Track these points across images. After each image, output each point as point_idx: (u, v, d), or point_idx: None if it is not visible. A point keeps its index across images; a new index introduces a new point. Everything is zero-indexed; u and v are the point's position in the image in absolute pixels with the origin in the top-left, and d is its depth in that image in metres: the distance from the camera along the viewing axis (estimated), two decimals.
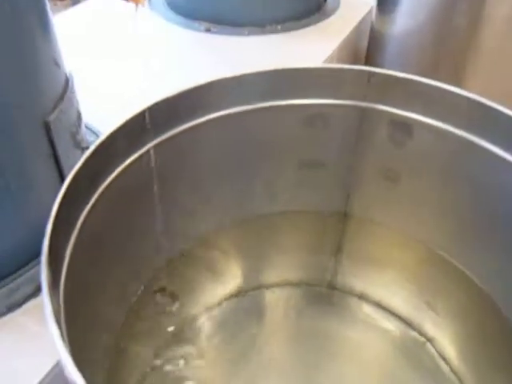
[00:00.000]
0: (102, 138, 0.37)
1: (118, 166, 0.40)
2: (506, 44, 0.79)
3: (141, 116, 0.39)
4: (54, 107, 0.49)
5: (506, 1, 0.75)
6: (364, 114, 0.48)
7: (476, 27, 0.79)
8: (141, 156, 0.42)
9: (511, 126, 0.41)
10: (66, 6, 1.74)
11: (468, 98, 0.42)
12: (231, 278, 0.58)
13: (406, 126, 0.46)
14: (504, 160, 0.42)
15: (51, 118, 0.48)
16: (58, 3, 1.71)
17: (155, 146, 0.42)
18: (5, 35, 0.42)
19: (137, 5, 0.29)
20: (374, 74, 0.45)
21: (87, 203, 0.38)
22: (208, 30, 0.93)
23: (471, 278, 0.50)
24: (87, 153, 0.36)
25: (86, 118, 0.61)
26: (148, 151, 0.42)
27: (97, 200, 0.38)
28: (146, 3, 1.04)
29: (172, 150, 0.44)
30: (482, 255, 0.49)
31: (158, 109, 0.41)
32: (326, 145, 0.50)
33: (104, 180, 0.39)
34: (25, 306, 0.49)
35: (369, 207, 0.54)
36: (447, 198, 0.49)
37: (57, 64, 0.50)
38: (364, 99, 0.47)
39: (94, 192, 0.38)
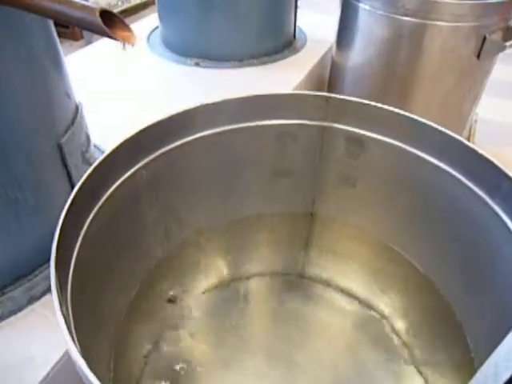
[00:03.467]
0: (102, 156, 0.36)
1: (116, 179, 0.40)
2: (441, 71, 0.80)
3: (135, 137, 0.39)
4: (66, 131, 0.49)
5: (440, 35, 0.76)
6: (324, 132, 0.48)
7: (416, 58, 0.80)
8: (136, 171, 0.41)
9: (442, 139, 0.41)
10: (81, 46, 1.73)
11: (407, 117, 0.43)
12: (216, 271, 0.57)
13: (359, 141, 0.47)
14: (437, 167, 0.43)
15: (63, 140, 0.48)
16: (74, 44, 1.70)
17: (148, 162, 0.42)
18: (23, 74, 0.42)
19: (125, 44, 0.28)
20: (330, 98, 0.45)
21: (90, 212, 0.37)
22: (197, 65, 0.93)
23: (415, 266, 0.51)
24: (89, 169, 0.35)
25: (95, 140, 0.60)
26: (142, 166, 0.42)
27: (98, 210, 0.38)
28: (145, 42, 1.04)
29: (163, 164, 0.44)
30: (424, 247, 0.49)
31: (151, 131, 0.40)
32: (293, 157, 0.50)
33: (105, 192, 0.39)
34: (43, 299, 0.49)
35: (331, 208, 0.54)
36: (394, 199, 0.49)
37: (68, 96, 0.50)
38: (324, 119, 0.47)
39: (96, 203, 0.38)
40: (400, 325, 0.53)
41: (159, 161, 0.43)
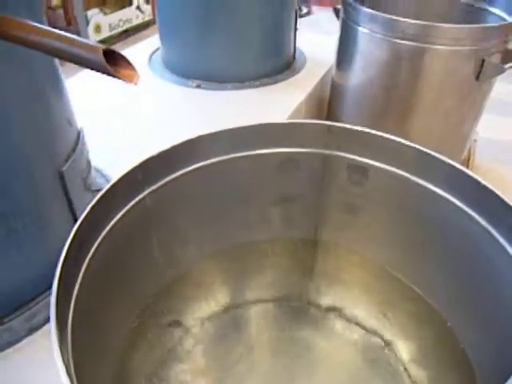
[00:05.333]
0: (104, 189, 0.36)
1: (119, 210, 0.39)
2: (440, 93, 0.81)
3: (137, 169, 0.39)
4: (67, 159, 0.49)
5: (439, 59, 0.76)
6: (326, 159, 0.48)
7: (416, 80, 0.80)
8: (139, 200, 0.41)
9: (445, 169, 0.41)
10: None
11: (410, 147, 0.43)
12: (218, 298, 0.57)
13: (362, 169, 0.46)
14: (440, 196, 0.43)
15: (64, 168, 0.48)
16: None
17: (151, 192, 0.42)
18: (24, 103, 0.42)
19: (126, 82, 0.28)
20: (332, 126, 0.45)
21: (92, 244, 0.37)
22: (198, 86, 0.94)
23: (417, 292, 0.50)
24: (90, 204, 0.35)
25: (95, 162, 0.60)
26: (145, 196, 0.41)
27: (100, 241, 0.37)
28: (147, 64, 1.05)
29: (165, 193, 0.44)
30: (425, 273, 0.49)
31: (152, 162, 0.40)
32: (296, 184, 0.50)
33: (107, 224, 0.38)
34: (44, 328, 0.48)
35: (334, 235, 0.54)
36: (397, 227, 0.49)
37: (69, 123, 0.50)
38: (325, 147, 0.47)
39: (97, 235, 0.38)
40: (404, 352, 0.52)
41: (163, 190, 0.42)
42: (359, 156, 0.46)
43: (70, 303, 0.33)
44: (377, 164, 0.45)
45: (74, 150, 0.50)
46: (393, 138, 0.43)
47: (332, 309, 0.57)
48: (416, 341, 0.52)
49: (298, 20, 1.03)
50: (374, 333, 0.54)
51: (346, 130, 0.45)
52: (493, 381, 0.43)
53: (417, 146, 0.42)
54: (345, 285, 0.56)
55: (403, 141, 0.42)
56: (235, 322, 0.57)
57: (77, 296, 0.34)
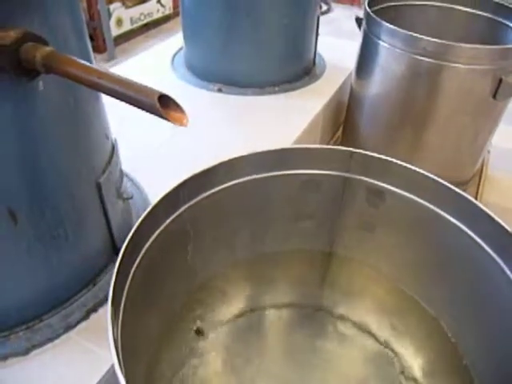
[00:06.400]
0: (148, 210, 0.39)
1: (159, 226, 0.43)
2: (457, 110, 0.83)
3: (176, 190, 0.42)
4: (104, 170, 0.52)
5: (457, 77, 0.78)
6: (347, 182, 0.51)
7: (432, 96, 0.82)
8: (177, 216, 0.45)
9: (456, 199, 0.44)
10: (105, 59, 1.77)
11: (426, 176, 0.46)
12: (238, 302, 0.60)
13: (379, 192, 0.49)
14: (450, 222, 0.46)
15: (102, 179, 0.51)
16: (97, 56, 1.74)
17: (187, 208, 0.45)
18: (69, 121, 0.45)
19: (177, 124, 0.32)
20: (354, 153, 0.48)
21: (137, 256, 0.41)
22: (220, 90, 0.96)
23: (423, 306, 0.53)
24: (137, 222, 0.38)
25: (123, 167, 0.63)
26: (182, 212, 0.45)
27: (145, 253, 0.41)
28: (169, 64, 1.07)
29: (200, 209, 0.47)
30: (431, 290, 0.52)
31: (190, 181, 0.44)
32: (316, 203, 0.53)
33: (149, 238, 0.42)
34: (79, 326, 0.51)
35: (349, 249, 0.57)
36: (409, 247, 0.52)
37: (107, 137, 0.53)
38: (347, 171, 0.50)
39: (142, 247, 0.41)
40: (411, 363, 0.56)
41: (195, 207, 0.46)
42: (378, 181, 0.49)
43: (119, 308, 0.37)
44: (393, 189, 0.48)
45: (109, 162, 0.54)
46: (410, 166, 0.46)
47: (343, 317, 0.61)
48: (423, 355, 0.55)
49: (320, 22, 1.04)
50: (384, 343, 0.58)
51: (367, 157, 0.48)
52: None
53: (432, 176, 0.45)
54: (357, 295, 0.59)
55: (420, 170, 0.45)
56: (250, 326, 0.60)
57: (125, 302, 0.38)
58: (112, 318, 0.32)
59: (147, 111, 0.32)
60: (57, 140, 0.44)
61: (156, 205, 0.40)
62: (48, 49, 0.34)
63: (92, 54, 0.49)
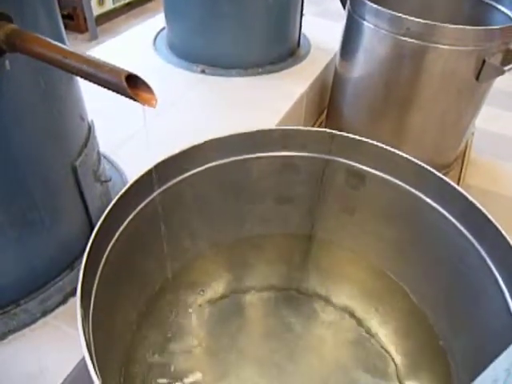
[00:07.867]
0: (119, 194, 0.39)
1: (132, 210, 0.42)
2: (440, 91, 0.83)
3: (149, 173, 0.41)
4: (80, 153, 0.51)
5: (441, 58, 0.78)
6: (327, 164, 0.50)
7: (416, 77, 0.82)
8: (150, 201, 0.44)
9: (434, 181, 0.44)
10: (86, 39, 1.73)
11: (404, 158, 0.45)
12: (219, 285, 0.60)
13: (359, 175, 0.49)
14: (430, 205, 0.46)
15: (78, 162, 0.50)
16: (79, 36, 1.69)
17: (160, 193, 0.44)
18: (41, 103, 0.44)
19: (144, 105, 0.31)
20: (335, 135, 0.47)
21: (111, 239, 0.40)
22: (203, 72, 0.95)
23: (404, 289, 0.54)
24: (109, 206, 0.38)
25: (101, 148, 0.62)
26: (155, 197, 0.44)
27: (118, 237, 0.41)
28: (151, 45, 1.05)
29: (174, 193, 0.47)
30: (413, 273, 0.52)
31: (163, 165, 0.43)
32: (295, 186, 0.53)
33: (122, 222, 0.41)
34: (56, 311, 0.51)
35: (329, 232, 0.57)
36: (388, 229, 0.52)
37: (82, 119, 0.52)
38: (327, 153, 0.49)
39: (115, 231, 0.41)
40: (387, 341, 0.56)
41: (169, 191, 0.45)
42: (358, 163, 0.49)
43: (91, 290, 0.36)
44: (373, 171, 0.48)
45: (85, 144, 0.52)
46: (390, 149, 0.46)
47: (323, 298, 0.61)
48: (398, 332, 0.56)
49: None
50: (363, 323, 0.58)
51: (348, 139, 0.47)
52: (466, 374, 0.47)
53: (411, 159, 0.45)
54: (337, 278, 0.60)
55: (400, 152, 0.45)
56: (231, 307, 0.60)
57: (97, 284, 0.37)
58: (82, 305, 0.32)
59: (115, 91, 0.31)
60: (27, 122, 0.43)
61: (127, 190, 0.39)
62: (12, 26, 0.33)
63: (64, 34, 0.47)
